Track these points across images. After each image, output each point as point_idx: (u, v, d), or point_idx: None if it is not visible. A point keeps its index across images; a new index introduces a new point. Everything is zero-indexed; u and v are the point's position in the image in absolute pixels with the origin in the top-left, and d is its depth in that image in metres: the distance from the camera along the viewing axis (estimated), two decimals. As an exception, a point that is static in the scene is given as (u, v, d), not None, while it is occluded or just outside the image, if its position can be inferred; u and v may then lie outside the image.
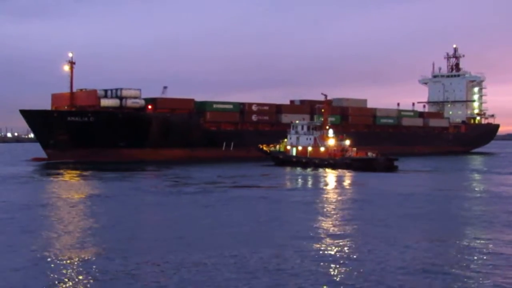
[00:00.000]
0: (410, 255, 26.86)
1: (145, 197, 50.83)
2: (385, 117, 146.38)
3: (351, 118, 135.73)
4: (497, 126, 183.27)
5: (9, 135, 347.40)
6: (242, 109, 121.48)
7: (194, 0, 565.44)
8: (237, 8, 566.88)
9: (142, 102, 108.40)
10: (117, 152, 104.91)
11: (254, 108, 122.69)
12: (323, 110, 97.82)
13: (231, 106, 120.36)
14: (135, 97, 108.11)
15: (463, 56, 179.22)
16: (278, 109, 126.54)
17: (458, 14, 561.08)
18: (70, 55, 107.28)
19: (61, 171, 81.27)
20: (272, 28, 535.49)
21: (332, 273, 23.79)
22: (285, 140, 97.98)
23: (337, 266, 24.82)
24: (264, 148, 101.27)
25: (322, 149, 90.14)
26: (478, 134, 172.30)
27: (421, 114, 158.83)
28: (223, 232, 32.88)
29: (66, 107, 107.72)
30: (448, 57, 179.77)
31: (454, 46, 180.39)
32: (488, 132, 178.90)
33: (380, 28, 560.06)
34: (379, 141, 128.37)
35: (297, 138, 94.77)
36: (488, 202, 47.71)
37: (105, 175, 73.19)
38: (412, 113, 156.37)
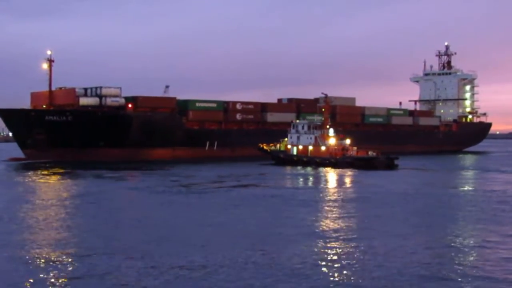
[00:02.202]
0: (414, 255, 27.52)
1: (152, 197, 50.25)
2: (374, 116, 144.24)
3: (338, 116, 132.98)
4: (489, 124, 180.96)
5: (11, 134, 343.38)
6: (226, 107, 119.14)
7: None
8: (236, 7, 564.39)
9: (122, 101, 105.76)
10: (97, 152, 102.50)
11: (238, 106, 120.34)
12: (323, 110, 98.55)
13: (214, 105, 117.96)
14: (115, 96, 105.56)
15: (455, 53, 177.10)
16: (263, 107, 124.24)
17: (450, 12, 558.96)
18: (49, 53, 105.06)
19: (36, 171, 79.04)
20: (269, 28, 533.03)
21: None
22: (285, 139, 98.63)
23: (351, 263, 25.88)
24: (265, 147, 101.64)
25: (323, 148, 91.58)
26: (470, 133, 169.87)
27: (411, 113, 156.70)
28: (248, 230, 34.17)
29: (44, 106, 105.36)
30: (439, 55, 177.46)
31: (446, 43, 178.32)
32: (480, 130, 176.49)
33: (376, 27, 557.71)
34: (368, 140, 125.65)
35: (298, 137, 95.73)
36: (490, 200, 49.11)
37: (101, 175, 71.15)
38: (402, 112, 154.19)
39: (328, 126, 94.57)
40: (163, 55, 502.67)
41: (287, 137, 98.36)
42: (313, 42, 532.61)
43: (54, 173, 76.08)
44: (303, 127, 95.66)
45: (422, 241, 31.20)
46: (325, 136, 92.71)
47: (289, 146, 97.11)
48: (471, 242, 31.02)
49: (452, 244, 30.32)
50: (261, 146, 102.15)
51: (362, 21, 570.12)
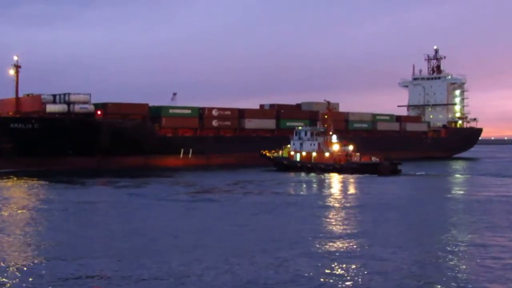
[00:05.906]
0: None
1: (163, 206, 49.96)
2: (358, 122, 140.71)
3: (320, 123, 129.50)
4: (480, 130, 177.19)
5: None
6: (202, 114, 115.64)
7: None
8: (236, 13, 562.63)
9: (92, 108, 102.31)
10: (65, 161, 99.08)
11: (214, 113, 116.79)
12: (326, 117, 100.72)
13: (189, 111, 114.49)
14: (84, 102, 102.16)
15: (444, 57, 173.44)
16: (241, 114, 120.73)
17: (441, 17, 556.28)
18: (15, 58, 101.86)
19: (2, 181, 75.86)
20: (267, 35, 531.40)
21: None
22: (288, 146, 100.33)
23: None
24: (267, 154, 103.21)
25: (326, 154, 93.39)
26: (459, 139, 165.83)
27: (398, 118, 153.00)
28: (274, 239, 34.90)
29: (10, 113, 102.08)
30: (428, 59, 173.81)
31: (435, 47, 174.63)
32: (470, 136, 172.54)
33: (374, 32, 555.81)
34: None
35: (301, 144, 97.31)
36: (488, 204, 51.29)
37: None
38: (388, 117, 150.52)
39: (331, 133, 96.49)
40: (169, 63, 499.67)
41: (289, 143, 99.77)
42: (313, 48, 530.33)
43: (24, 184, 73.02)
44: (306, 134, 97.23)
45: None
46: (328, 143, 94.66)
47: (292, 153, 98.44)
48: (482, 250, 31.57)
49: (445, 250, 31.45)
50: (264, 152, 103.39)
51: (353, 28, 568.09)
